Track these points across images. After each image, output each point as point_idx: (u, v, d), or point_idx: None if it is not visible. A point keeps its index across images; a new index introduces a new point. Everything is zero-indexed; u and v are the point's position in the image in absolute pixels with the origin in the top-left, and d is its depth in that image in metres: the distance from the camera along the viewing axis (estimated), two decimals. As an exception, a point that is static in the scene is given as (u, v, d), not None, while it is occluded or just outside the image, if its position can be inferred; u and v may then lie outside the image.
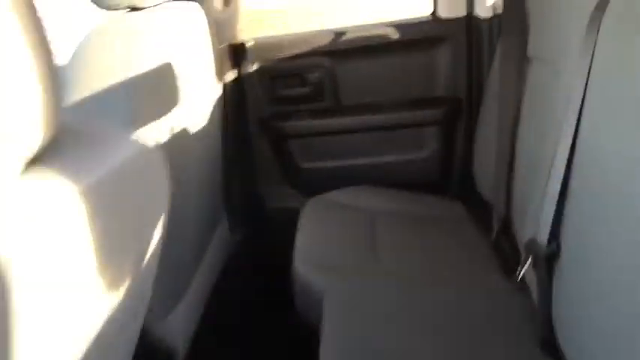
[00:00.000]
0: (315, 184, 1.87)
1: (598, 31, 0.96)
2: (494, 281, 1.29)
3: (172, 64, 1.23)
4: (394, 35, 1.74)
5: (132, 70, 1.11)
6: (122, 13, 1.21)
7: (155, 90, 1.17)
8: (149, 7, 1.22)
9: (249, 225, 1.85)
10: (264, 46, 1.79)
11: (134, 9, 1.21)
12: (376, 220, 1.56)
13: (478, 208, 1.61)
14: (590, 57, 0.97)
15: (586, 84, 0.97)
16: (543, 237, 1.02)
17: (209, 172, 1.60)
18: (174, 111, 1.27)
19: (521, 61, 1.42)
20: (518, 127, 1.38)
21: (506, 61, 1.48)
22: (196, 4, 1.52)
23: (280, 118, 1.83)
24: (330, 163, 1.85)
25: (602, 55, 0.94)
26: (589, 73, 0.97)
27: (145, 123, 1.13)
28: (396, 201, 1.70)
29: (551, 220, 1.00)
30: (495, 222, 1.40)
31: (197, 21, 1.49)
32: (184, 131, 1.33)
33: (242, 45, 1.75)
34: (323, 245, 1.41)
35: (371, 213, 1.60)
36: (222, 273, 1.65)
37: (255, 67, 1.78)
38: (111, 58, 1.11)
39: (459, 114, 1.77)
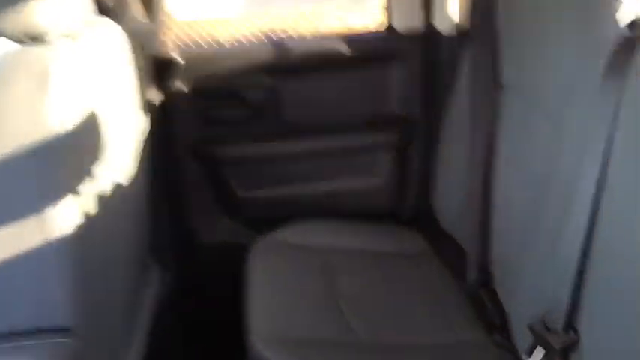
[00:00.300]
0: (256, 216, 1.66)
1: (626, 72, 0.81)
2: (478, 344, 1.15)
3: (88, 100, 1.00)
4: (344, 49, 1.54)
5: (39, 121, 0.85)
6: (18, 47, 0.94)
7: (71, 138, 0.93)
8: (52, 39, 0.95)
9: (182, 266, 1.61)
10: (194, 61, 1.53)
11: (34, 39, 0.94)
12: (335, 265, 1.38)
13: (438, 238, 1.47)
14: (612, 106, 0.82)
15: (609, 139, 0.82)
16: (555, 322, 0.88)
17: (135, 211, 1.35)
18: (95, 154, 1.05)
19: (491, 87, 1.28)
20: (493, 166, 1.24)
21: (473, 86, 1.33)
22: (110, 21, 1.26)
23: (214, 143, 1.59)
24: (272, 192, 1.64)
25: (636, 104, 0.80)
26: (614, 126, 0.82)
27: (64, 177, 0.90)
28: (351, 237, 1.52)
29: (567, 305, 0.86)
30: (471, 270, 1.26)
31: (114, 40, 1.23)
32: (107, 171, 1.09)
33: (169, 60, 1.49)
34: (280, 310, 1.21)
35: (327, 255, 1.42)
36: (155, 328, 1.41)
37: (184, 85, 1.53)
38: (11, 110, 0.85)
39: (414, 137, 1.61)
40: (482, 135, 1.27)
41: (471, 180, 1.29)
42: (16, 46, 0.93)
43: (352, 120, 1.61)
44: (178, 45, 1.53)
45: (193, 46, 1.65)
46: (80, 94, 0.96)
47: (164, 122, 1.54)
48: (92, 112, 1.00)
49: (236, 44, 1.71)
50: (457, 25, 1.44)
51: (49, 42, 0.94)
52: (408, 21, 1.53)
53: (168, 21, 1.46)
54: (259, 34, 1.78)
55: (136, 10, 1.39)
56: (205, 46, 1.73)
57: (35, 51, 0.91)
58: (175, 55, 1.50)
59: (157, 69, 1.49)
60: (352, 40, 1.56)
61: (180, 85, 1.53)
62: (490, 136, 1.26)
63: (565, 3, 1.05)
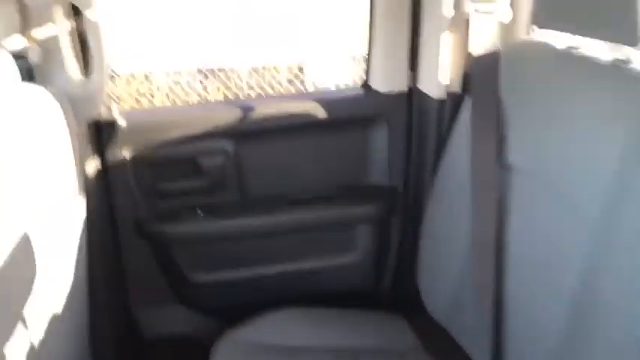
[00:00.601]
0: (213, 305, 1.42)
1: None
2: None
3: (13, 180, 0.83)
4: (317, 111, 1.34)
5: None
6: None
7: None
8: None
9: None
10: (141, 124, 1.30)
11: None
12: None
13: (428, 328, 1.28)
14: None
15: None
16: None
17: (70, 307, 1.10)
18: (19, 240, 0.85)
19: (493, 165, 1.10)
20: (503, 259, 1.06)
21: (473, 161, 1.15)
22: (37, 87, 1.02)
23: (163, 219, 1.35)
24: (233, 275, 1.41)
25: None
26: None
27: None
28: (328, 330, 1.31)
29: None
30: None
31: (41, 108, 1.00)
32: (35, 263, 0.89)
33: (109, 124, 1.25)
34: None
35: (301, 357, 1.20)
36: None
37: (127, 151, 1.29)
38: None
39: (396, 210, 1.42)
40: (484, 221, 1.10)
41: (474, 273, 1.10)
42: None
43: (325, 191, 1.41)
44: (121, 106, 1.29)
45: (138, 107, 1.41)
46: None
47: (104, 196, 1.29)
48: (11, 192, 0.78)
49: (189, 104, 1.48)
50: (448, 89, 1.27)
51: None
52: (390, 80, 1.35)
53: (108, 79, 1.22)
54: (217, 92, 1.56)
55: (71, 67, 1.15)
56: (152, 107, 1.49)
57: None
58: (117, 118, 1.26)
59: (96, 134, 1.25)
60: (326, 100, 1.36)
61: (122, 152, 1.28)
62: (496, 222, 1.08)
63: (594, 84, 0.89)
